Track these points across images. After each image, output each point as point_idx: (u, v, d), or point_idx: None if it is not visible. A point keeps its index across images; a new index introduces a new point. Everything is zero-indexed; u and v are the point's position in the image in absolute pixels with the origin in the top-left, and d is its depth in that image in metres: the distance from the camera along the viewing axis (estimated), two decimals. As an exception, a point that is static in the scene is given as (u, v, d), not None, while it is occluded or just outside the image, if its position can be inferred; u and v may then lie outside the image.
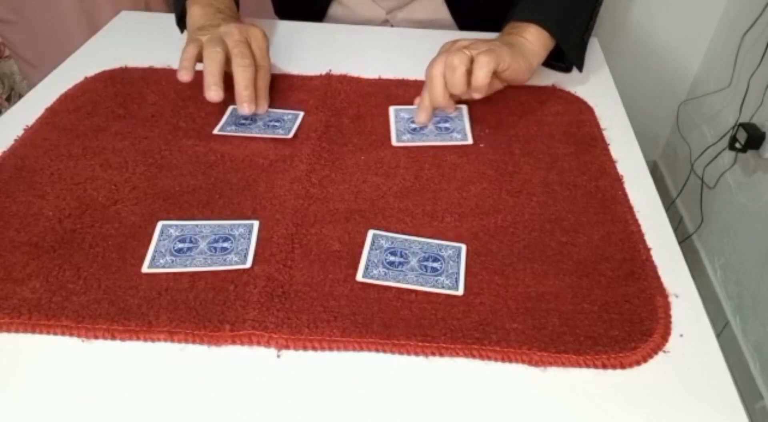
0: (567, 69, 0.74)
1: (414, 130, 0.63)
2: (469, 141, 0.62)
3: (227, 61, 0.61)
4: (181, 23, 0.76)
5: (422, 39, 0.81)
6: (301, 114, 0.65)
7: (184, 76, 0.60)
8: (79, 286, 0.45)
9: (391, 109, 0.65)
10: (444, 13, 0.88)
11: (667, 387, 0.41)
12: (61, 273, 0.46)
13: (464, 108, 0.65)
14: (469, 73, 0.59)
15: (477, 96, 0.61)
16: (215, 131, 0.62)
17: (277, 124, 0.63)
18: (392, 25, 0.90)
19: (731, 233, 1.48)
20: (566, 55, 0.71)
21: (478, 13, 0.85)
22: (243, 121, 0.63)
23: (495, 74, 0.61)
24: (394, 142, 0.61)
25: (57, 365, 0.41)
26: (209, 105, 0.65)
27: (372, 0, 0.88)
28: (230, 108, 0.65)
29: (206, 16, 0.68)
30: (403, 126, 0.63)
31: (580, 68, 0.74)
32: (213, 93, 0.59)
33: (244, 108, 0.61)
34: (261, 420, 0.38)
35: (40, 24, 1.06)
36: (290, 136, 0.61)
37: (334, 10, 0.90)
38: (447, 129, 0.63)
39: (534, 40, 0.67)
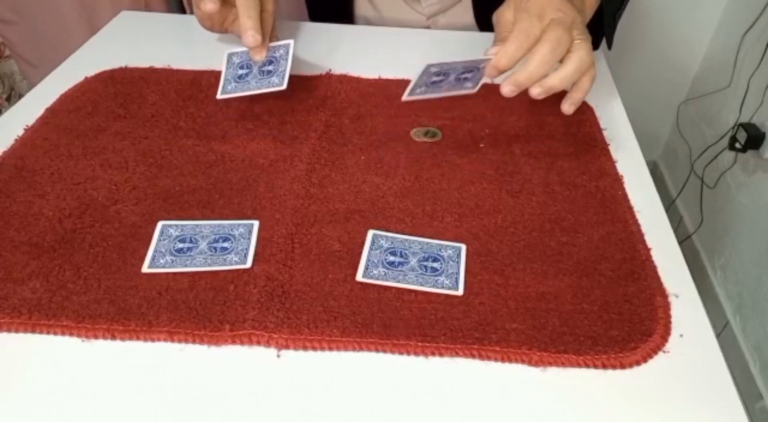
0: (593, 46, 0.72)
1: (433, 83, 0.58)
2: (474, 90, 0.59)
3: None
4: None
5: (424, 39, 0.81)
6: (291, 42, 0.64)
7: (209, 6, 0.60)
8: (79, 286, 0.45)
9: (425, 65, 0.57)
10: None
11: (667, 387, 0.41)
12: (61, 273, 0.46)
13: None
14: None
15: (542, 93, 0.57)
16: (219, 96, 0.61)
17: (270, 68, 0.62)
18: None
19: (731, 233, 1.48)
20: (604, 27, 0.69)
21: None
22: (240, 72, 0.62)
23: None
24: (405, 97, 0.57)
25: (57, 365, 0.41)
26: (209, 105, 0.65)
27: (410, 6, 0.86)
28: (227, 55, 0.64)
29: None
30: (424, 79, 0.57)
31: (610, 45, 0.72)
32: (251, 37, 0.59)
33: (256, 56, 0.61)
34: (261, 420, 0.38)
35: (40, 24, 1.06)
36: (284, 86, 0.61)
37: (365, 13, 0.89)
38: (466, 79, 0.59)
39: (590, 12, 0.63)
